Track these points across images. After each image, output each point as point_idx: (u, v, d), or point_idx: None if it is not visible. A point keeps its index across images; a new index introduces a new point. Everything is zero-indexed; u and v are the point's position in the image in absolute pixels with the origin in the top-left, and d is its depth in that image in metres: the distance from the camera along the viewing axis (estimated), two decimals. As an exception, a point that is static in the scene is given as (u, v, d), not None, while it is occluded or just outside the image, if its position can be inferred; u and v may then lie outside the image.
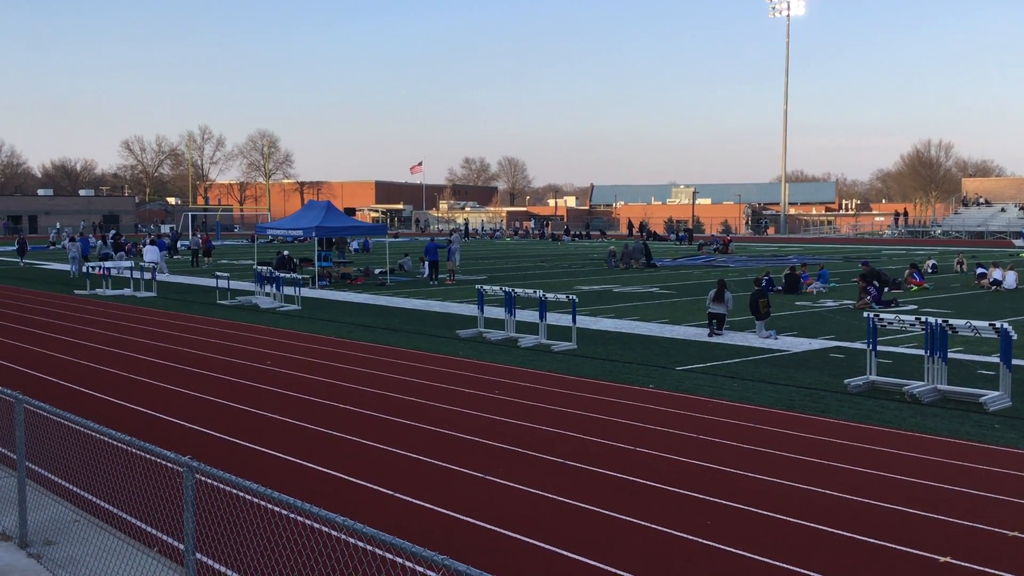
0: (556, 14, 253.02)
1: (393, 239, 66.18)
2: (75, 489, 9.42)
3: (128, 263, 37.98)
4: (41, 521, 8.53)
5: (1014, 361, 14.21)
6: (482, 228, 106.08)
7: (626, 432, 12.08)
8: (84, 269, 36.89)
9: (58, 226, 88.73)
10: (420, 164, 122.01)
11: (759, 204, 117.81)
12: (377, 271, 38.60)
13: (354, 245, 54.18)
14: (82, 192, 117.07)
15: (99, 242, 56.78)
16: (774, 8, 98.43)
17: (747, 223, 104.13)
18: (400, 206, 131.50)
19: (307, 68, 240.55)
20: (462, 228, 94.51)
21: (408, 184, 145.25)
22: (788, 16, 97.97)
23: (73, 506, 9.07)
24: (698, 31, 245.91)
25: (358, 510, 8.81)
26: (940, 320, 14.26)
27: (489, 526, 8.56)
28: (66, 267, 43.24)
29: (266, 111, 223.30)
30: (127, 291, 32.60)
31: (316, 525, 7.83)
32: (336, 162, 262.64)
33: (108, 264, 35.40)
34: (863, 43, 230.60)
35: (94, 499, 9.12)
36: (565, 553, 7.89)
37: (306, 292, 30.48)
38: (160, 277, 33.97)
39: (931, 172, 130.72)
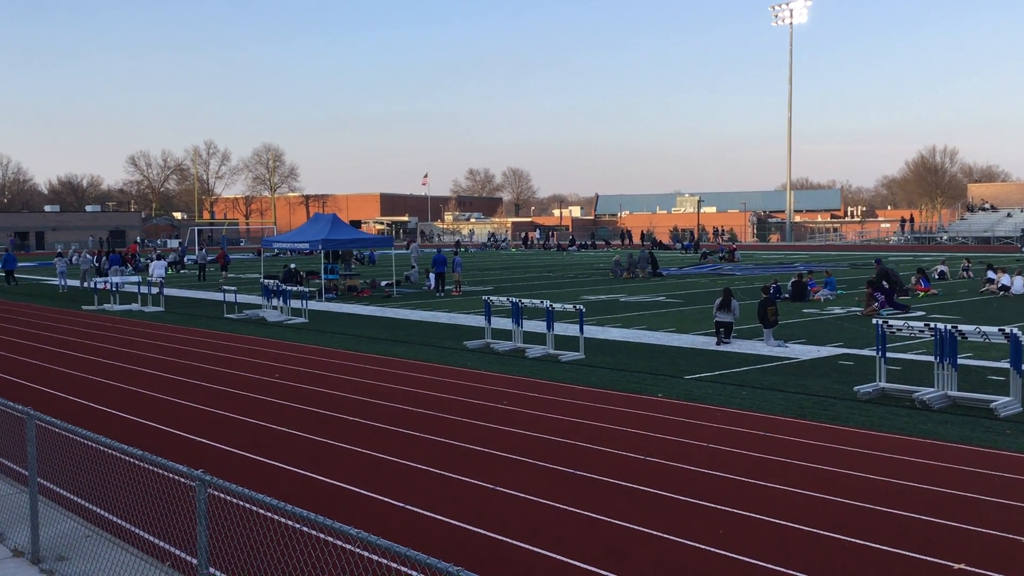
0: (558, 24, 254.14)
1: (399, 251, 66.22)
2: (87, 504, 9.43)
3: (136, 277, 38.12)
4: (53, 537, 8.54)
5: (1024, 366, 14.15)
6: (490, 239, 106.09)
7: (635, 442, 12.07)
8: (72, 284, 37.39)
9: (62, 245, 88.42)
10: (426, 176, 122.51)
11: (764, 212, 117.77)
12: (383, 283, 38.65)
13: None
14: (88, 208, 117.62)
15: (99, 258, 56.06)
16: (777, 16, 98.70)
17: (727, 233, 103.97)
18: (405, 218, 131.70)
19: (311, 81, 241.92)
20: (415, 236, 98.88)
21: (413, 196, 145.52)
22: (791, 24, 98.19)
23: (85, 521, 9.08)
24: (701, 40, 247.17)
25: (370, 522, 8.81)
26: (949, 326, 14.24)
27: (500, 537, 8.55)
28: (74, 282, 43.35)
29: (271, 125, 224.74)
30: (134, 306, 32.69)
31: (329, 538, 7.83)
32: (341, 175, 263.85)
33: (116, 279, 35.46)
34: (867, 49, 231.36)
35: (106, 514, 9.13)
36: (576, 563, 7.88)
37: (313, 305, 30.52)
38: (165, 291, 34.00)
39: (936, 178, 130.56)
